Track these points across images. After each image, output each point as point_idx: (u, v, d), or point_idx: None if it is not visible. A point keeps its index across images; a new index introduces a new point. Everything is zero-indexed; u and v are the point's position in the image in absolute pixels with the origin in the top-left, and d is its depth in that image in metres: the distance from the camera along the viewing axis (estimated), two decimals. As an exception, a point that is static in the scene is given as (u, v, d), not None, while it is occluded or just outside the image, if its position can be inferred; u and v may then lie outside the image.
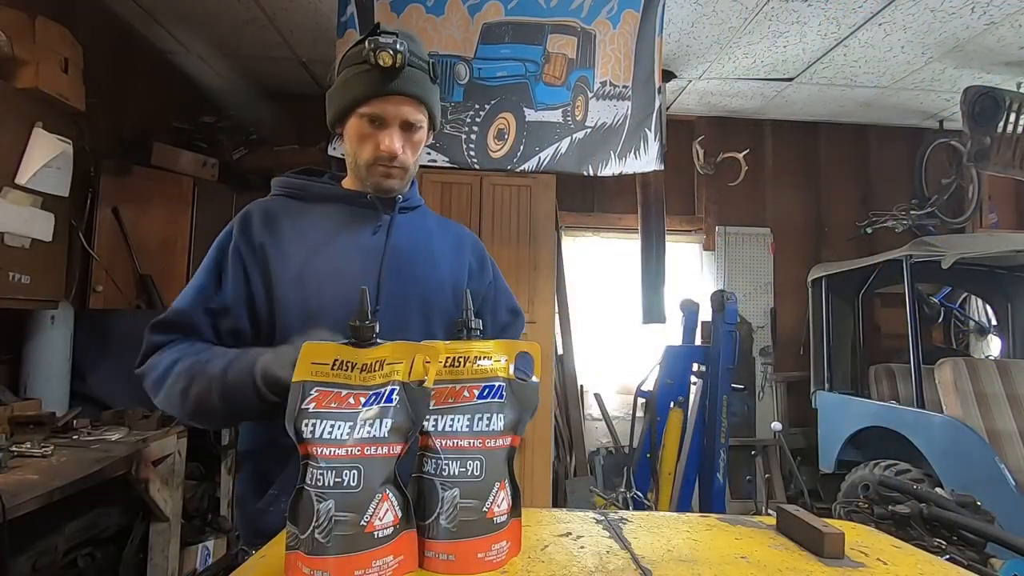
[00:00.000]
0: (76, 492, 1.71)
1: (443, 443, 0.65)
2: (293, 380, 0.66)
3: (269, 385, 0.81)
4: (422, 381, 0.67)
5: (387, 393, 0.64)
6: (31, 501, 1.52)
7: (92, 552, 2.11)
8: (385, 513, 0.60)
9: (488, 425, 0.67)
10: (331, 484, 0.59)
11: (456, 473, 0.65)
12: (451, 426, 0.66)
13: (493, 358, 0.70)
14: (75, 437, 2.03)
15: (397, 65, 0.94)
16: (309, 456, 0.61)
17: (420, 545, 0.65)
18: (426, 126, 1.04)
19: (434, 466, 0.65)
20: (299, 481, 0.61)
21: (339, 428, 0.61)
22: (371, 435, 0.62)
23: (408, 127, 1.01)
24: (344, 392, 0.64)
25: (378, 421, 0.62)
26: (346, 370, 0.65)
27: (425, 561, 0.64)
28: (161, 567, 2.28)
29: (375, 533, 0.59)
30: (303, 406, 0.63)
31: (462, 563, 0.63)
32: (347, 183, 1.10)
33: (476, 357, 0.69)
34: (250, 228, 1.02)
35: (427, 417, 0.66)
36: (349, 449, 0.60)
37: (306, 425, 0.61)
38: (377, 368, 0.66)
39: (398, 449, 0.63)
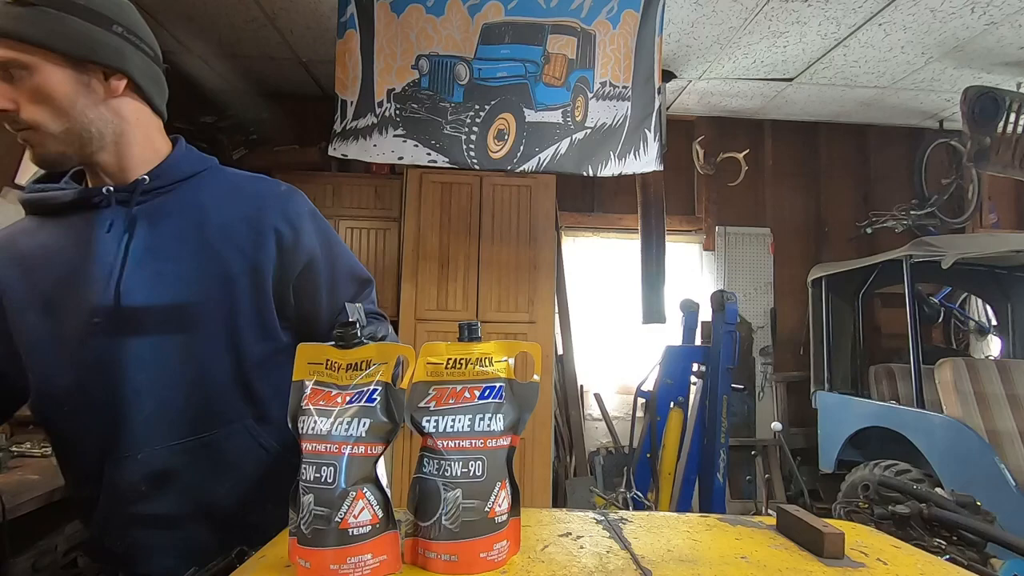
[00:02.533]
0: (76, 492, 1.71)
1: (445, 444, 0.66)
2: (294, 379, 0.69)
3: None
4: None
5: (369, 393, 0.66)
6: (31, 501, 1.52)
7: (92, 552, 2.11)
8: (361, 512, 0.62)
9: (489, 425, 0.67)
10: (311, 479, 0.62)
11: (459, 474, 0.65)
12: (452, 426, 0.67)
13: (494, 358, 0.70)
14: (75, 437, 2.02)
15: None
16: (300, 450, 0.64)
17: (421, 546, 0.65)
18: (43, 65, 0.78)
19: (436, 467, 0.65)
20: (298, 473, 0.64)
21: (321, 425, 0.64)
22: (349, 434, 0.63)
23: (7, 77, 0.78)
24: (334, 392, 0.66)
25: (356, 420, 0.64)
26: (334, 370, 0.68)
27: (427, 562, 0.64)
28: (161, 567, 2.28)
29: (350, 530, 0.61)
30: (300, 403, 0.67)
31: (465, 563, 0.63)
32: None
33: (478, 358, 0.70)
34: None
35: (428, 418, 0.67)
36: (328, 446, 0.63)
37: (301, 421, 0.66)
38: (363, 368, 0.67)
39: (378, 449, 0.65)
